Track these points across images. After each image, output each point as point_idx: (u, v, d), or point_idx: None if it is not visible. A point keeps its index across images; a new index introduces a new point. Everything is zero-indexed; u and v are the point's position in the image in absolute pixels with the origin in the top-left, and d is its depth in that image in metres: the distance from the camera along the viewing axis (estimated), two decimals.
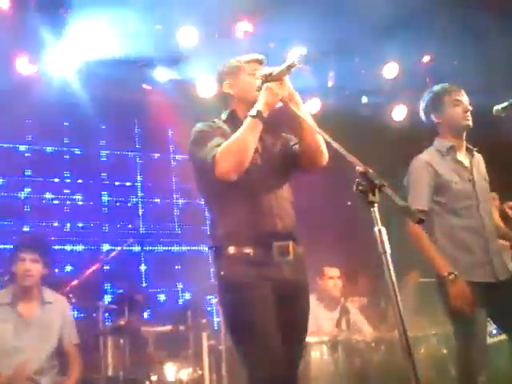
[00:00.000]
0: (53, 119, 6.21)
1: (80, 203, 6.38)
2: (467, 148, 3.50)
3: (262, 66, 2.77)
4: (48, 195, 6.22)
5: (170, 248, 6.78)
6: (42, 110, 5.76)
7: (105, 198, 6.53)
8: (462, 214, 3.31)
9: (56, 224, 6.19)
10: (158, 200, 6.87)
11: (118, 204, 6.61)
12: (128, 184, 6.74)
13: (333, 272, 5.40)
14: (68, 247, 6.16)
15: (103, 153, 6.66)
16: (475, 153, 3.51)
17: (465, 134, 3.47)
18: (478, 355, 3.13)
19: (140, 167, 6.85)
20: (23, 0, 5.17)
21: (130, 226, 6.56)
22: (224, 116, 2.81)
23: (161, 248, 6.71)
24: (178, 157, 7.00)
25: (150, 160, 6.95)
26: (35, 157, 6.28)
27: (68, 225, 6.24)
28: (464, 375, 3.18)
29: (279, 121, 2.74)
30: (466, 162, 3.44)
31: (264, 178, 2.64)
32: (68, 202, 6.31)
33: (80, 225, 6.29)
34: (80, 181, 6.45)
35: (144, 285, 6.42)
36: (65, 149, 6.46)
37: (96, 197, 6.49)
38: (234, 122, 2.72)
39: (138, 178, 6.80)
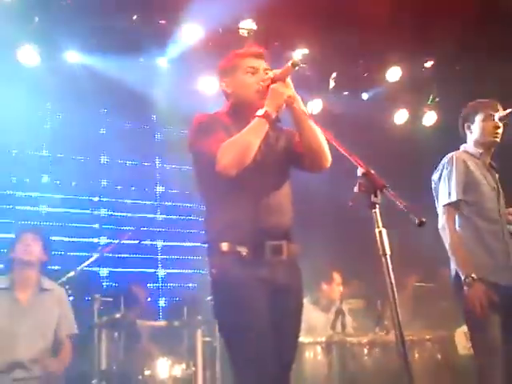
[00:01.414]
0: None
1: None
2: (490, 164, 3.61)
3: (260, 60, 2.71)
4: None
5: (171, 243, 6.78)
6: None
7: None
8: (487, 216, 3.41)
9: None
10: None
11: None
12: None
13: (338, 278, 5.42)
14: (66, 238, 6.16)
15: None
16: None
17: (493, 150, 3.59)
18: (495, 361, 3.17)
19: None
20: None
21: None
22: (225, 109, 2.76)
23: (161, 242, 6.72)
24: None
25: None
26: None
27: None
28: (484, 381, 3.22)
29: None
30: (493, 172, 3.58)
31: (263, 175, 2.58)
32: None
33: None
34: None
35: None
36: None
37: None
38: (236, 115, 2.68)
39: None
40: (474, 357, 3.38)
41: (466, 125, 3.63)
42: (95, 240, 6.28)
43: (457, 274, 3.34)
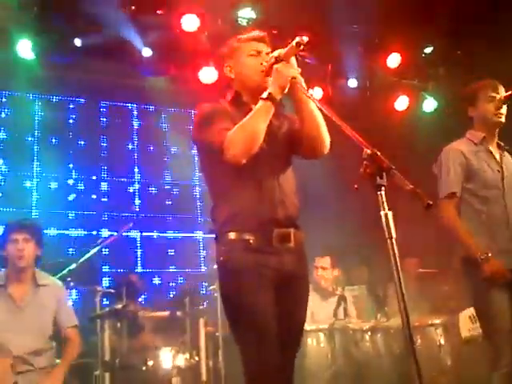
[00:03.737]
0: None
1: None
2: (498, 144, 3.60)
3: (263, 44, 2.69)
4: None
5: (167, 234, 6.81)
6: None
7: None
8: (489, 201, 3.42)
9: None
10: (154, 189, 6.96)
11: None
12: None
13: (322, 262, 5.39)
14: (67, 232, 6.16)
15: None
16: (506, 152, 3.62)
17: (497, 130, 3.58)
18: (498, 339, 3.21)
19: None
20: None
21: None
22: (229, 97, 2.73)
23: (158, 234, 6.75)
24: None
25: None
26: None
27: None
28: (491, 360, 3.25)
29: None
30: (497, 155, 3.55)
31: (268, 163, 2.57)
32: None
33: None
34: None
35: (140, 270, 6.46)
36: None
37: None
38: (240, 104, 2.66)
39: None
40: (482, 336, 3.47)
41: (468, 109, 3.62)
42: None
43: (465, 258, 3.37)
